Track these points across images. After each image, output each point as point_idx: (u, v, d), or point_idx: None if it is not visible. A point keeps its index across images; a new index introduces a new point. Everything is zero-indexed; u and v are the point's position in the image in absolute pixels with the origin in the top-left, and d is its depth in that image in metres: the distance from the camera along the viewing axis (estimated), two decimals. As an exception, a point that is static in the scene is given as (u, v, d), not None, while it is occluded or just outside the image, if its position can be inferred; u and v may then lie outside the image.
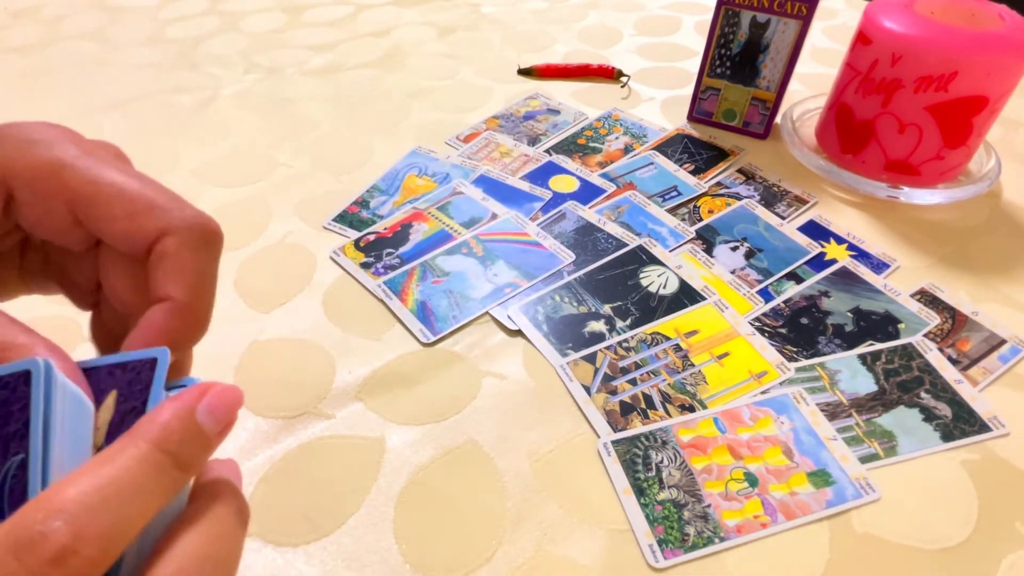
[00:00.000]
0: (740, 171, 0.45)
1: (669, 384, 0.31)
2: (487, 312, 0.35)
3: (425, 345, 0.33)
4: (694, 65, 0.57)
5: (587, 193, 0.43)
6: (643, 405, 0.30)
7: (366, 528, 0.26)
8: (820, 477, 0.28)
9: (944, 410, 0.30)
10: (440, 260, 0.38)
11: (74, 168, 0.22)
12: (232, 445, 0.28)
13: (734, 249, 0.39)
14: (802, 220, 0.42)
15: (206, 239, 0.23)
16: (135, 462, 0.17)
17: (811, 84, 0.55)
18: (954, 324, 0.35)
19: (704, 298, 0.36)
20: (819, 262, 0.38)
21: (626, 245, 0.39)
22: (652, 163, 0.46)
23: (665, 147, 0.47)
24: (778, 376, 0.32)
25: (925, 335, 0.34)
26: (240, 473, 0.21)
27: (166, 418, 0.18)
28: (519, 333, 0.34)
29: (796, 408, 0.30)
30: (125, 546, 0.16)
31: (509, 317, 0.34)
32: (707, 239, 0.40)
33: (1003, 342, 0.33)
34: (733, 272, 0.38)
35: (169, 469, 0.18)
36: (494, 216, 0.40)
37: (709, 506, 0.27)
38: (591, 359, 0.32)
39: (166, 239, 0.22)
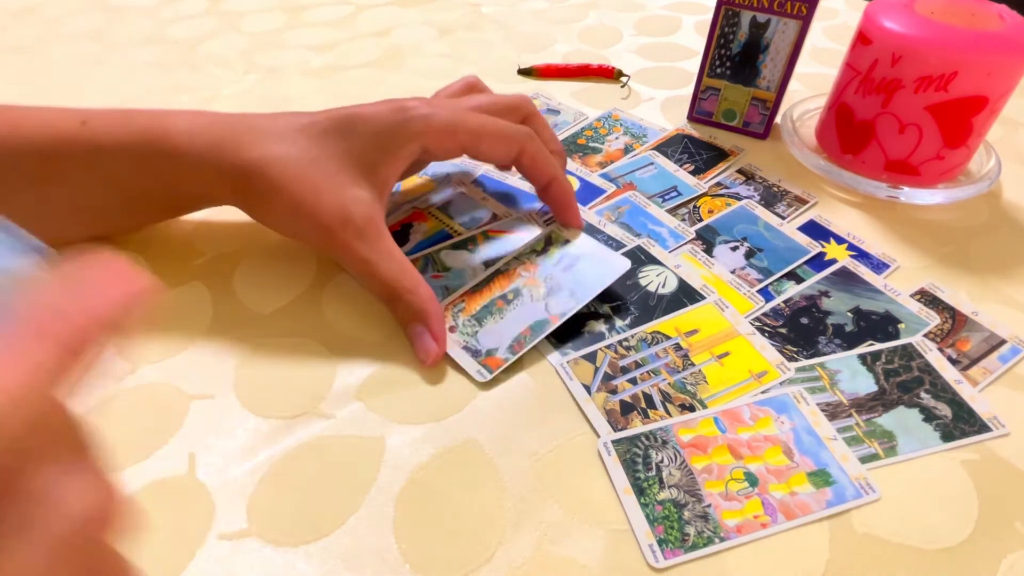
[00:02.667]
0: (740, 171, 0.45)
1: (669, 383, 0.31)
2: (487, 312, 0.35)
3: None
4: (694, 65, 0.57)
5: (587, 193, 0.43)
6: (643, 404, 0.30)
7: (366, 528, 0.26)
8: (820, 477, 0.28)
9: (944, 410, 0.30)
10: (444, 255, 0.38)
11: (465, 124, 0.34)
12: (232, 445, 0.28)
13: (734, 249, 0.39)
14: (802, 220, 0.42)
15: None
16: None
17: (811, 84, 0.55)
18: (954, 324, 0.35)
19: (704, 297, 0.36)
20: (819, 262, 0.38)
21: (625, 246, 0.39)
22: (652, 163, 0.46)
23: (665, 147, 0.47)
24: (778, 376, 0.32)
25: (925, 335, 0.34)
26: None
27: None
28: (519, 333, 0.34)
29: (796, 408, 0.30)
30: None
31: (509, 317, 0.34)
32: (707, 239, 0.40)
33: (1003, 342, 0.33)
34: (733, 272, 0.38)
35: None
36: (495, 217, 0.40)
37: (709, 506, 0.27)
38: (591, 358, 0.33)
39: (523, 156, 0.35)
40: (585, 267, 0.35)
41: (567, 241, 0.37)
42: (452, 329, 0.33)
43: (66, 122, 0.31)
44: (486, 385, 0.31)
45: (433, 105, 0.34)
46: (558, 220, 0.38)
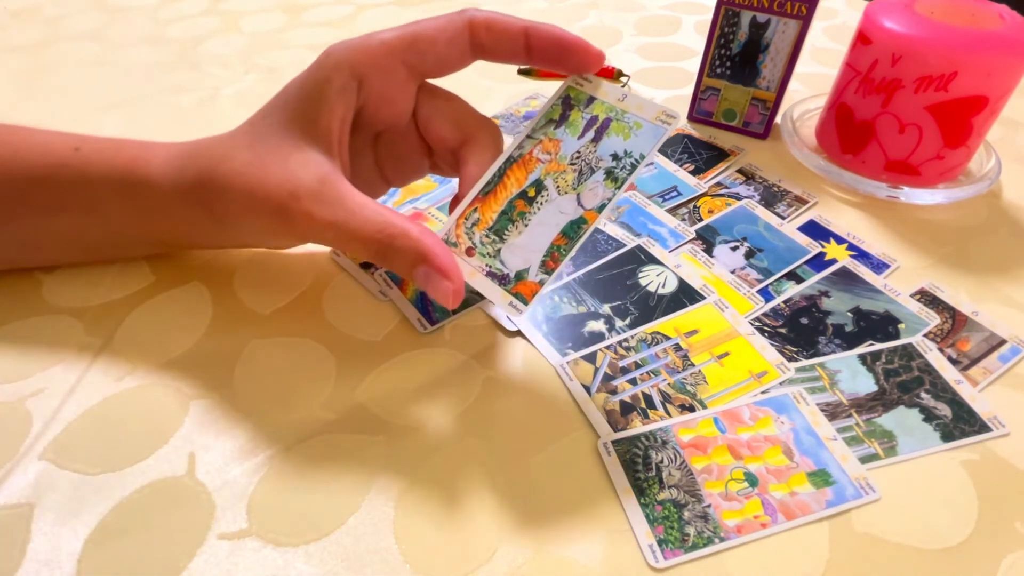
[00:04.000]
0: (740, 171, 0.45)
1: (669, 384, 0.31)
2: (486, 313, 0.35)
3: (422, 334, 0.33)
4: (694, 65, 0.57)
5: (587, 193, 0.43)
6: (643, 405, 0.30)
7: (366, 528, 0.26)
8: (820, 477, 0.28)
9: (944, 410, 0.30)
10: None
11: (388, 32, 0.29)
12: (232, 445, 0.28)
13: (734, 249, 0.39)
14: (802, 220, 0.42)
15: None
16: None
17: (811, 84, 0.55)
18: (954, 324, 0.35)
19: (704, 297, 0.36)
20: (819, 262, 0.38)
21: (625, 246, 0.39)
22: (652, 163, 0.46)
23: (665, 147, 0.47)
24: (778, 376, 0.32)
25: (925, 335, 0.34)
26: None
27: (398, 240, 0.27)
28: (519, 333, 0.34)
29: (796, 408, 0.30)
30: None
31: (508, 318, 0.34)
32: (707, 239, 0.40)
33: (1003, 342, 0.33)
34: (733, 272, 0.38)
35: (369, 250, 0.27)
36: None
37: (709, 506, 0.27)
38: (591, 359, 0.33)
39: (476, 31, 0.29)
40: (619, 130, 0.28)
41: (590, 99, 0.29)
42: (471, 251, 0.28)
43: (61, 147, 0.31)
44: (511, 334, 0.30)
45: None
46: (566, 70, 0.30)
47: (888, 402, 0.31)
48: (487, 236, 0.27)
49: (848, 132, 0.44)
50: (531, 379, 0.32)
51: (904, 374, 0.32)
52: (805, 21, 0.42)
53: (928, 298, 0.36)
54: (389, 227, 0.27)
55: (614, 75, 0.57)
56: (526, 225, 0.27)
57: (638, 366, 0.32)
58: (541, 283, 0.26)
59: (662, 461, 0.28)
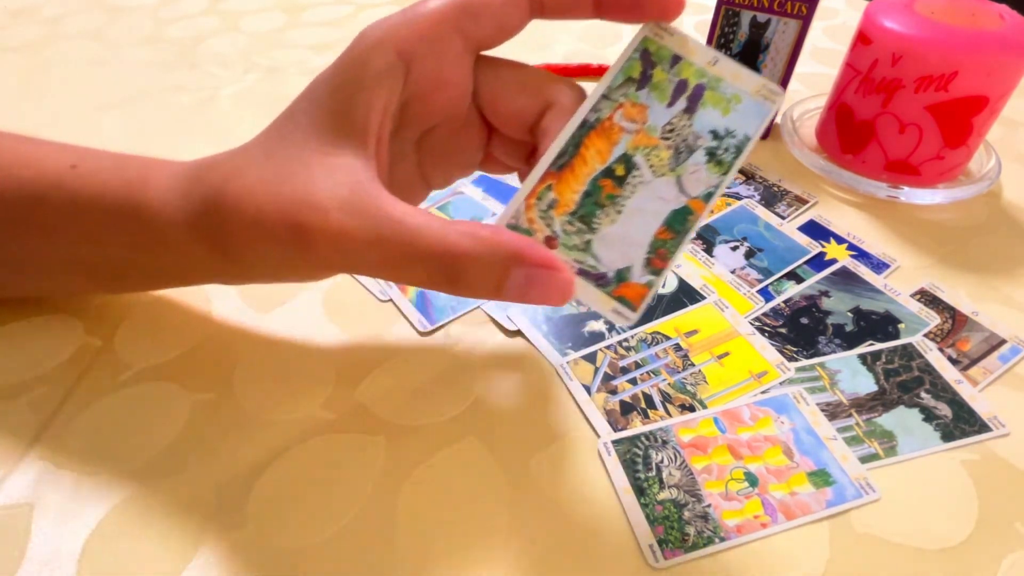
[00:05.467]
0: (740, 171, 0.45)
1: (669, 384, 0.31)
2: (486, 313, 0.35)
3: (422, 334, 0.33)
4: (694, 65, 0.57)
5: (587, 193, 0.43)
6: (643, 405, 0.30)
7: (366, 528, 0.26)
8: (820, 477, 0.28)
9: (944, 410, 0.30)
10: None
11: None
12: (231, 445, 0.28)
13: (734, 249, 0.39)
14: (802, 220, 0.42)
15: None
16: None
17: (811, 84, 0.55)
18: (954, 324, 0.35)
19: (704, 297, 0.36)
20: (819, 262, 0.38)
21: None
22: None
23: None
24: (778, 376, 0.32)
25: (925, 335, 0.34)
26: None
27: (475, 250, 0.21)
28: (519, 333, 0.34)
29: (796, 408, 0.30)
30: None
31: (509, 317, 0.34)
32: (707, 239, 0.40)
33: (1003, 342, 0.33)
34: (733, 272, 0.38)
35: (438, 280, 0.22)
36: (495, 216, 0.40)
37: (709, 506, 0.27)
38: (591, 358, 0.32)
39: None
40: (715, 101, 0.23)
41: (675, 57, 0.24)
42: (552, 242, 0.22)
43: (56, 164, 0.27)
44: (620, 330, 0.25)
45: None
46: (641, 18, 0.24)
47: (888, 402, 0.31)
48: (570, 223, 0.22)
49: (848, 132, 0.44)
50: (531, 379, 0.32)
51: (904, 374, 0.32)
52: (805, 21, 0.42)
53: (928, 298, 0.36)
54: (454, 234, 0.21)
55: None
56: (619, 212, 0.22)
57: (638, 366, 0.32)
58: (649, 285, 0.22)
59: (662, 461, 0.28)
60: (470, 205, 0.41)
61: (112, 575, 0.24)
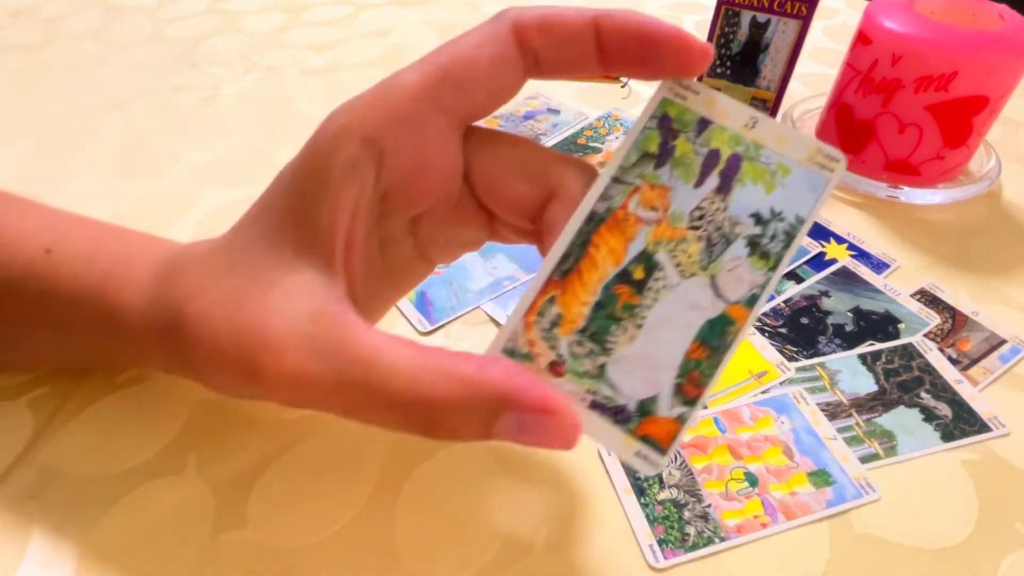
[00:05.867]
0: (740, 171, 0.45)
1: (669, 384, 0.31)
2: (486, 313, 0.35)
3: (422, 334, 0.33)
4: (694, 65, 0.57)
5: (587, 193, 0.43)
6: (643, 405, 0.30)
7: (366, 528, 0.26)
8: (820, 477, 0.28)
9: (944, 410, 0.30)
10: None
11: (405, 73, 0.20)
12: (231, 445, 0.28)
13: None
14: (802, 220, 0.41)
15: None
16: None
17: (811, 84, 0.55)
18: (954, 324, 0.35)
19: (704, 298, 0.36)
20: (819, 262, 0.38)
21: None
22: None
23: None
24: (778, 376, 0.32)
25: (925, 335, 0.34)
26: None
27: (454, 394, 0.18)
28: (519, 333, 0.34)
29: (796, 408, 0.30)
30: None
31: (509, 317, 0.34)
32: (707, 239, 0.40)
33: (1003, 342, 0.33)
34: (733, 272, 0.38)
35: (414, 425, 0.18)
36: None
37: (709, 506, 0.27)
38: (591, 359, 0.32)
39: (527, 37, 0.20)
40: (755, 175, 0.19)
41: (703, 122, 0.19)
42: (557, 368, 0.19)
43: (31, 250, 0.25)
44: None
45: None
46: (657, 75, 0.20)
47: (888, 402, 0.31)
48: (580, 344, 0.18)
49: (848, 132, 0.44)
50: (531, 379, 0.32)
51: (904, 374, 0.32)
52: (805, 21, 0.42)
53: (928, 298, 0.36)
54: (428, 376, 0.18)
55: (613, 77, 0.57)
56: (639, 327, 0.18)
57: (638, 366, 0.32)
58: (680, 420, 0.18)
59: (662, 461, 0.28)
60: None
61: (112, 575, 0.24)
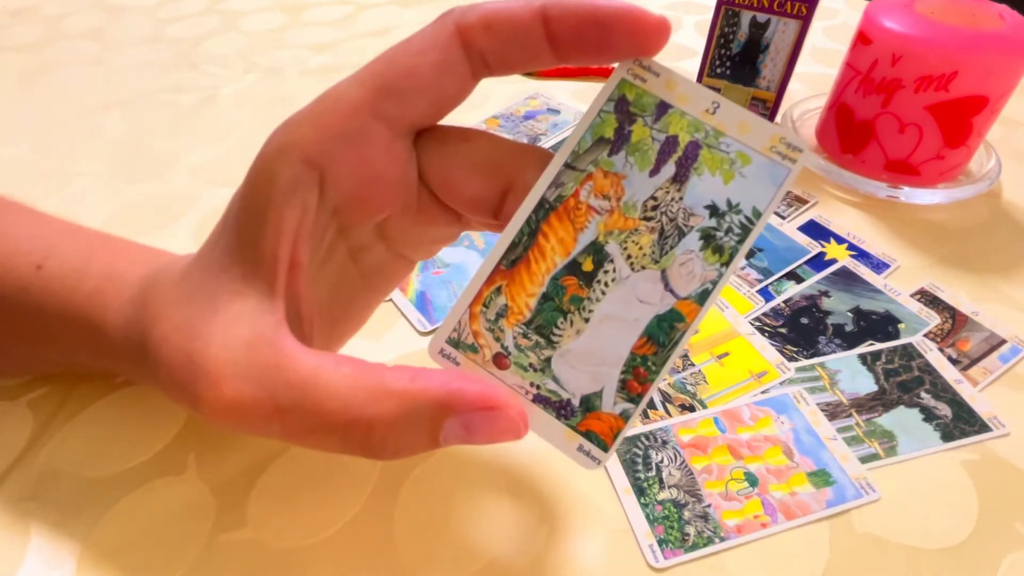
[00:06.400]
0: (740, 171, 0.45)
1: (669, 384, 0.31)
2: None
3: (422, 334, 0.33)
4: (694, 65, 0.57)
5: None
6: (643, 405, 0.30)
7: (366, 528, 0.26)
8: (820, 477, 0.28)
9: (944, 410, 0.30)
10: (442, 252, 0.37)
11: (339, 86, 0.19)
12: (231, 445, 0.28)
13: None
14: (802, 220, 0.42)
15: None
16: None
17: (811, 84, 0.55)
18: (954, 324, 0.35)
19: (704, 298, 0.36)
20: (819, 262, 0.38)
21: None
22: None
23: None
24: (778, 376, 0.32)
25: (925, 335, 0.34)
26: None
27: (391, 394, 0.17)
28: (519, 333, 0.34)
29: (796, 408, 0.30)
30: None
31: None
32: (707, 239, 0.40)
33: (1003, 342, 0.33)
34: (733, 272, 0.38)
35: (352, 445, 0.18)
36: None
37: (709, 506, 0.27)
38: (591, 359, 0.32)
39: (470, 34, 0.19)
40: (713, 164, 0.18)
41: (662, 106, 0.18)
42: (502, 361, 0.19)
43: (22, 265, 0.25)
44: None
45: None
46: (613, 57, 0.18)
47: (888, 402, 0.31)
48: (525, 336, 0.18)
49: (848, 132, 0.44)
50: (531, 379, 0.32)
51: (904, 374, 0.32)
52: (805, 21, 0.42)
53: (928, 298, 0.36)
54: (362, 396, 0.18)
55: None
56: (586, 320, 0.18)
57: (638, 366, 0.32)
58: (624, 417, 0.18)
59: (662, 461, 0.28)
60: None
61: (112, 575, 0.24)
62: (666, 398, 0.31)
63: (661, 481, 0.27)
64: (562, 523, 0.26)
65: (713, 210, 0.18)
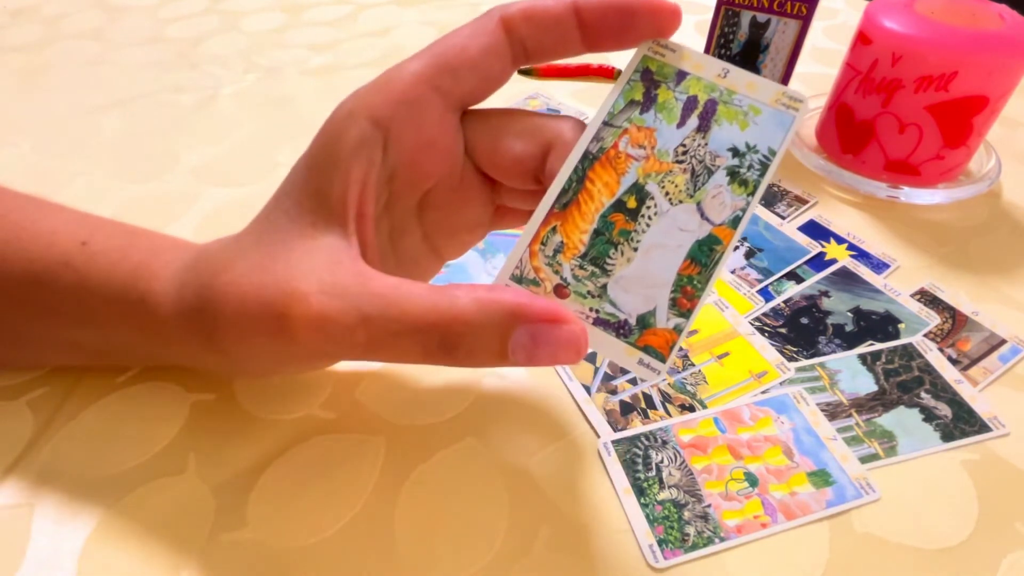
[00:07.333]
0: (740, 171, 0.45)
1: (669, 384, 0.31)
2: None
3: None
4: (694, 65, 0.57)
5: (587, 193, 0.43)
6: (643, 405, 0.30)
7: (366, 528, 0.26)
8: (820, 477, 0.28)
9: (944, 410, 0.30)
10: None
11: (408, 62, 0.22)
12: (231, 445, 0.28)
13: (734, 249, 0.39)
14: (802, 220, 0.42)
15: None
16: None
17: (811, 84, 0.55)
18: (954, 324, 0.35)
19: (704, 298, 0.36)
20: (819, 262, 0.38)
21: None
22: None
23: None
24: (778, 376, 0.32)
25: (925, 335, 0.34)
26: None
27: (469, 311, 0.19)
28: (519, 333, 0.34)
29: (796, 408, 0.30)
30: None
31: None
32: (707, 239, 0.40)
33: (1003, 342, 0.33)
34: (733, 272, 0.38)
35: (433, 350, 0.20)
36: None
37: (709, 506, 0.27)
38: (591, 358, 0.32)
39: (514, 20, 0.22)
40: (730, 116, 0.21)
41: (680, 73, 0.22)
42: (562, 291, 0.21)
43: (67, 240, 0.26)
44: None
45: None
46: (638, 40, 0.22)
47: (888, 402, 0.31)
48: (581, 267, 0.20)
49: (848, 132, 0.44)
50: (531, 379, 0.32)
51: (904, 374, 0.32)
52: (805, 21, 0.42)
53: (928, 298, 0.36)
54: (444, 299, 0.19)
55: (614, 75, 0.57)
56: (635, 249, 0.20)
57: (638, 366, 0.32)
58: (677, 330, 0.20)
59: (662, 461, 0.28)
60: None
61: (112, 575, 0.24)
62: (666, 398, 0.31)
63: (661, 481, 0.27)
64: (562, 523, 0.26)
65: (735, 151, 0.21)
